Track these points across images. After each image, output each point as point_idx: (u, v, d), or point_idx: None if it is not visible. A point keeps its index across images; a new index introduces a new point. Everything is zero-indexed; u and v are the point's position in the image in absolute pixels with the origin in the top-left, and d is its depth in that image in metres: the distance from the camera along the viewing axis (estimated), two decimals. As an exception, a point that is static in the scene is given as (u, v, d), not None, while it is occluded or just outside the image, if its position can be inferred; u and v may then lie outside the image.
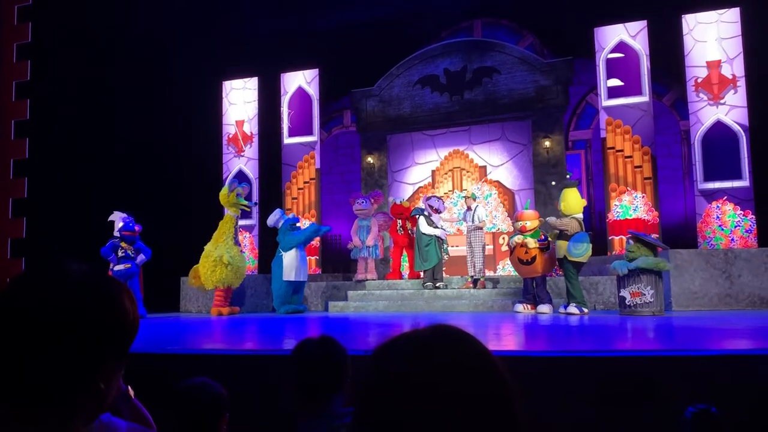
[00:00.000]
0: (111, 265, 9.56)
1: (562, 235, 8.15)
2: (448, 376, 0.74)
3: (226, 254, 9.69)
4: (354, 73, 13.73)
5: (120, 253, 9.58)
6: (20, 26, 8.97)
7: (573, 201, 8.24)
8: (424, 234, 10.24)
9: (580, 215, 8.25)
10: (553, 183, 11.45)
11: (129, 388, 1.90)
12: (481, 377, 0.76)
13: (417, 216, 10.57)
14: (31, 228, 9.28)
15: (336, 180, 15.41)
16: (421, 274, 10.59)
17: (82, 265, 0.99)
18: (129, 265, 9.59)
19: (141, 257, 9.79)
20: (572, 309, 7.93)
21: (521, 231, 8.71)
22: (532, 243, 8.42)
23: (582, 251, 8.02)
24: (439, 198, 11.06)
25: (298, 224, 10.68)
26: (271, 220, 10.56)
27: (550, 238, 8.38)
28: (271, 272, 10.22)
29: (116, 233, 9.78)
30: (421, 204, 11.24)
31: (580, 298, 8.04)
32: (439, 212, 10.60)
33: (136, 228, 9.81)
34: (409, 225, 11.38)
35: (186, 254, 10.45)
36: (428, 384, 0.73)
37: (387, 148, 13.80)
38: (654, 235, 9.72)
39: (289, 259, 9.92)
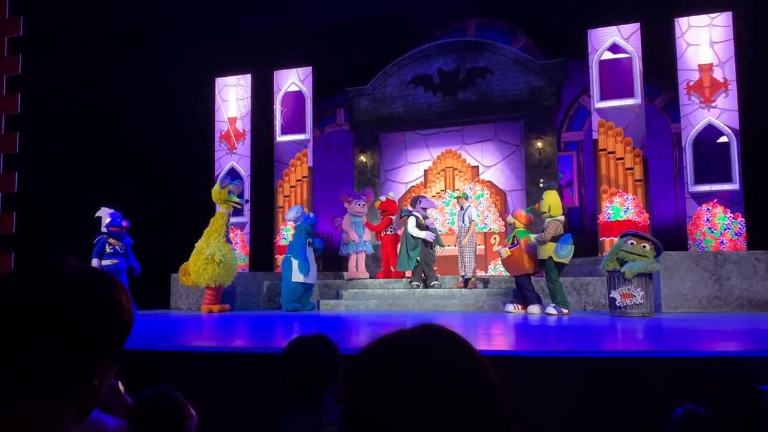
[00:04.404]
0: (94, 262, 9.39)
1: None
2: (435, 375, 0.75)
3: (218, 252, 9.64)
4: (347, 72, 13.72)
5: (108, 249, 9.49)
6: (12, 19, 8.89)
7: (556, 204, 8.34)
8: (412, 236, 10.24)
9: (562, 217, 8.34)
10: (541, 183, 11.58)
11: (119, 384, 1.90)
12: (468, 377, 0.77)
13: (406, 216, 10.55)
14: (22, 223, 9.20)
15: (328, 178, 15.40)
16: (406, 273, 10.66)
17: (78, 261, 0.99)
18: (116, 261, 9.49)
19: (134, 265, 9.67)
20: (550, 310, 8.01)
21: (508, 225, 8.96)
22: (505, 253, 8.57)
23: (567, 252, 8.09)
24: (429, 199, 11.03)
25: (310, 226, 10.52)
26: (290, 216, 10.57)
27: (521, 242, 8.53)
28: (282, 272, 10.29)
29: (103, 229, 9.70)
30: (409, 206, 11.17)
31: (560, 298, 8.09)
32: (427, 216, 10.55)
33: (124, 224, 9.72)
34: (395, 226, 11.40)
35: (177, 251, 10.40)
36: (415, 384, 0.74)
37: (380, 146, 13.80)
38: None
39: (298, 261, 9.95)
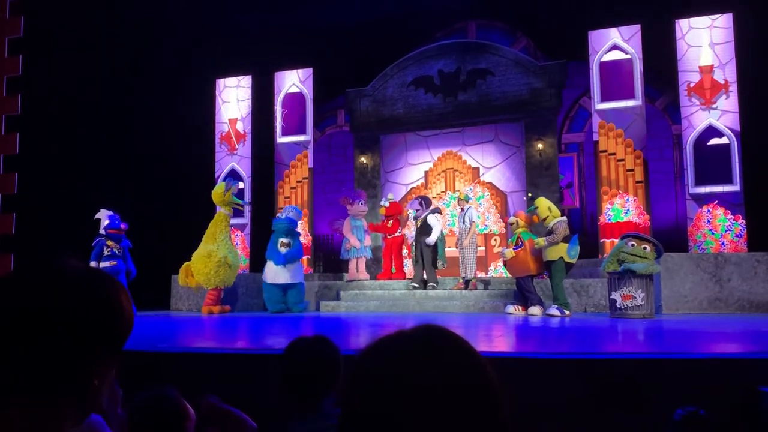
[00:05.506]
0: (92, 264, 9.39)
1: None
2: (436, 376, 0.74)
3: (229, 255, 9.70)
4: (348, 73, 13.72)
5: (106, 251, 9.50)
6: (12, 20, 8.89)
7: (552, 206, 8.39)
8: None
9: (564, 217, 8.36)
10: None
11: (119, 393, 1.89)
12: (468, 377, 0.77)
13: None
14: (21, 224, 9.20)
15: (329, 179, 15.39)
16: (406, 274, 10.72)
17: (79, 262, 0.99)
18: (114, 263, 9.49)
19: (131, 269, 9.69)
20: (553, 311, 7.99)
21: (510, 225, 8.97)
22: (509, 254, 8.56)
23: (576, 252, 8.11)
24: (418, 198, 10.99)
25: (283, 225, 10.40)
26: (281, 215, 10.67)
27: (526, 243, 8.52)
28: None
29: (102, 231, 9.71)
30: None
31: (562, 299, 8.09)
32: (417, 217, 10.59)
33: (122, 226, 9.72)
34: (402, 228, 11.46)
35: (177, 252, 10.40)
36: (415, 384, 0.73)
37: (380, 148, 13.79)
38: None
39: (270, 263, 9.96)
